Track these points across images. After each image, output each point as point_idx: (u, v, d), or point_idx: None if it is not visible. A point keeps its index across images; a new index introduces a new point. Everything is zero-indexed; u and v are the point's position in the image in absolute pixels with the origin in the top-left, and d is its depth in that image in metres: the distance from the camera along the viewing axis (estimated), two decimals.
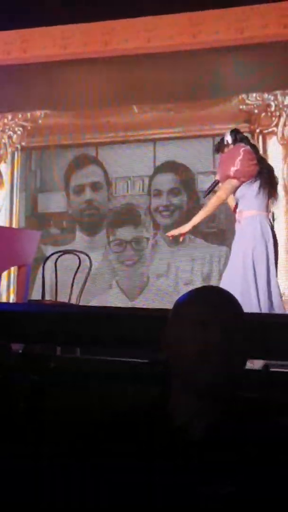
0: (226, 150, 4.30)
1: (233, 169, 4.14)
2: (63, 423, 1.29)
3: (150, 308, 4.98)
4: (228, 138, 4.29)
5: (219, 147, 4.36)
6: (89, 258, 4.93)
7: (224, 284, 4.06)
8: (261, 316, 3.98)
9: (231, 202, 4.37)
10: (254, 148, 4.33)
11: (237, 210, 4.27)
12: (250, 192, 4.17)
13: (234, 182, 4.15)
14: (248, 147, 4.23)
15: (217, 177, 4.34)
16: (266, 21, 6.02)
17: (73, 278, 4.80)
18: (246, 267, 4.09)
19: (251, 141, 4.46)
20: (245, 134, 4.44)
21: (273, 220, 4.31)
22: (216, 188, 4.32)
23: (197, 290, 1.41)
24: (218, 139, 4.45)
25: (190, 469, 1.19)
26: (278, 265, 4.22)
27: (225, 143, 4.30)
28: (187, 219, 6.06)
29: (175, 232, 4.32)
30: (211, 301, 1.33)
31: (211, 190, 4.38)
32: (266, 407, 1.35)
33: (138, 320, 3.22)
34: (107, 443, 1.24)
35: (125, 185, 6.41)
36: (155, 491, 1.18)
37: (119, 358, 3.20)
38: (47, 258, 5.03)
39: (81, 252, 5.02)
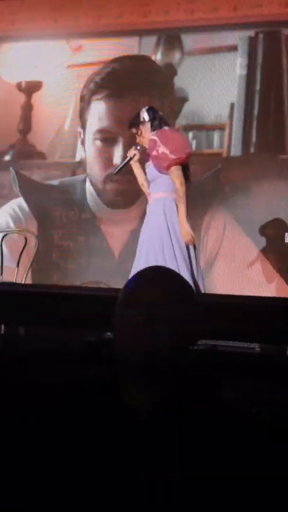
0: (141, 127, 4.22)
1: (178, 155, 4.10)
2: (8, 404, 1.26)
3: (98, 287, 4.97)
4: (145, 115, 4.21)
5: (135, 123, 4.28)
6: (36, 237, 4.88)
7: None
8: (213, 296, 4.02)
9: (144, 183, 4.34)
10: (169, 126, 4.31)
11: (148, 192, 4.29)
12: (160, 175, 4.16)
13: (180, 167, 4.11)
14: (183, 132, 4.22)
15: (152, 161, 4.21)
16: None
17: (19, 257, 4.75)
18: (149, 250, 4.11)
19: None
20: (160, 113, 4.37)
21: None
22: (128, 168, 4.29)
23: (141, 271, 1.38)
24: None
25: (136, 452, 1.18)
26: None
27: (141, 119, 4.23)
28: None
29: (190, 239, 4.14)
30: (151, 281, 1.30)
31: (123, 167, 4.36)
32: (213, 386, 1.35)
33: (84, 299, 3.20)
34: (54, 424, 1.22)
35: None
36: (100, 474, 1.16)
37: (67, 337, 3.19)
38: None
39: (28, 231, 4.97)
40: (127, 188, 5.63)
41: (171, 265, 3.96)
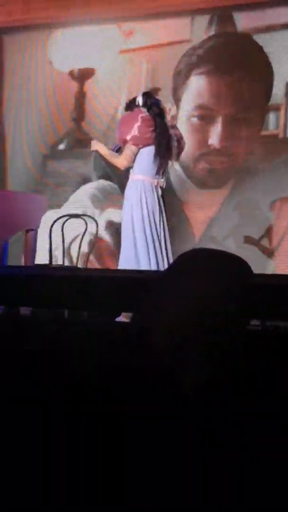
0: (136, 110, 4.38)
1: (130, 135, 4.27)
2: (64, 379, 1.28)
3: (159, 271, 4.97)
4: (140, 100, 4.36)
5: (130, 106, 4.44)
6: (96, 222, 4.92)
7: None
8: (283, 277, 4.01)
9: None
10: (161, 114, 4.35)
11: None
12: (139, 156, 4.30)
13: (133, 148, 4.28)
14: (147, 114, 4.29)
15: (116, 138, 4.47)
16: None
17: (80, 243, 4.82)
18: (128, 230, 4.28)
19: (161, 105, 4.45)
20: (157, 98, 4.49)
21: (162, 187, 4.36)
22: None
23: (183, 255, 1.33)
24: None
25: (189, 437, 1.17)
26: None
27: (137, 103, 4.37)
28: None
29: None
30: (188, 265, 1.29)
31: (118, 150, 4.46)
32: (271, 369, 1.34)
33: (145, 282, 3.23)
34: (106, 405, 1.20)
35: None
36: (154, 457, 1.16)
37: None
38: (54, 222, 4.99)
39: (88, 216, 5.00)
40: (219, 167, 5.59)
41: (143, 260, 4.18)
